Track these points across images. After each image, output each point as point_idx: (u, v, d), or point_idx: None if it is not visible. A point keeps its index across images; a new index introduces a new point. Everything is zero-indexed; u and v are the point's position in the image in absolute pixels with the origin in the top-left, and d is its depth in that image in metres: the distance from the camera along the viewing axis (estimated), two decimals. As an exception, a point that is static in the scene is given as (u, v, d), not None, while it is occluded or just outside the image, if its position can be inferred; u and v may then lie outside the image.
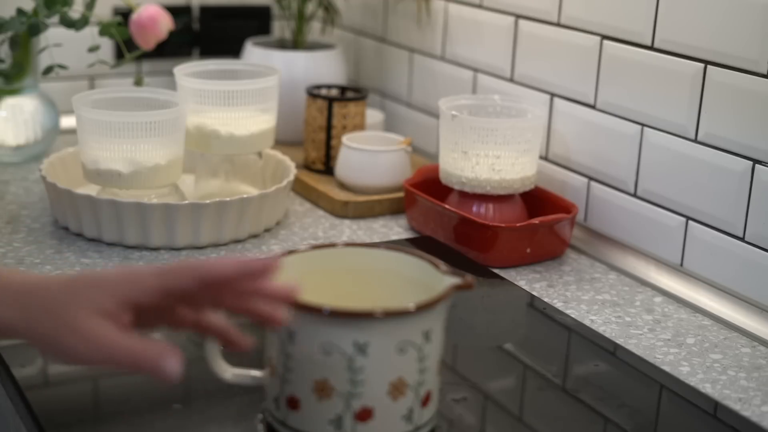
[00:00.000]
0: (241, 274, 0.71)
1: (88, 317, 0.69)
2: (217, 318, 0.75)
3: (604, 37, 1.22)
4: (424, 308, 0.76)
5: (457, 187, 1.24)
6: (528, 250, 1.19)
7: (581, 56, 1.25)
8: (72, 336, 0.68)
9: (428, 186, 1.29)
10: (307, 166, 1.44)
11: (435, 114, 1.47)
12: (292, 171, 1.30)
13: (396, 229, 1.30)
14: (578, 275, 1.18)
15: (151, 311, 0.72)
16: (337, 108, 1.40)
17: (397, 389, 0.76)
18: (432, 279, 0.81)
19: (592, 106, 1.24)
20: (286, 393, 0.77)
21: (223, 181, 1.32)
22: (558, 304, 1.10)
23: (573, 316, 1.07)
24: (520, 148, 1.22)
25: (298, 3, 1.58)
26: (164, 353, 0.68)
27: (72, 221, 1.21)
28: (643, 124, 1.18)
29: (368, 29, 1.67)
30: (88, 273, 0.73)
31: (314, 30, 1.68)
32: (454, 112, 1.23)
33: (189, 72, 1.30)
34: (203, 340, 0.80)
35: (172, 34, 1.46)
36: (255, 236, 1.24)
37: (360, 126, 1.43)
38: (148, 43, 1.42)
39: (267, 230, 1.26)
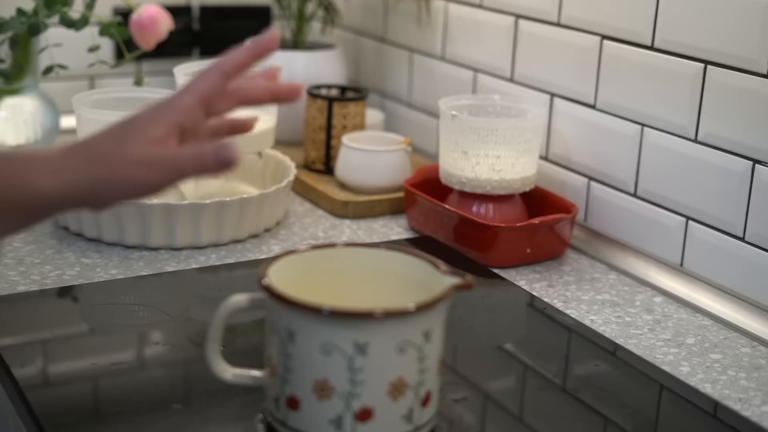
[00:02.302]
0: (253, 55, 0.76)
1: (142, 148, 0.72)
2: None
3: (604, 37, 1.22)
4: (424, 308, 0.76)
5: (457, 187, 1.24)
6: (528, 250, 1.19)
7: (581, 56, 1.25)
8: (135, 169, 0.72)
9: (428, 186, 1.29)
10: (307, 166, 1.44)
11: (435, 114, 1.47)
12: (292, 171, 1.30)
13: (396, 229, 1.30)
14: (578, 275, 1.18)
15: (191, 127, 0.76)
16: (337, 108, 1.41)
17: (397, 389, 0.76)
18: (432, 279, 0.81)
19: (592, 106, 1.24)
20: (286, 393, 0.77)
21: (223, 181, 1.32)
22: (558, 304, 1.10)
23: (573, 316, 1.07)
24: (520, 148, 1.22)
25: (298, 3, 1.58)
26: (218, 144, 0.72)
27: (72, 221, 1.21)
28: (643, 124, 1.18)
29: (368, 29, 1.67)
30: (127, 117, 0.76)
31: (314, 30, 1.68)
32: (454, 112, 1.23)
33: (189, 72, 1.30)
34: (203, 340, 0.80)
35: (172, 34, 1.46)
36: (255, 236, 1.24)
37: (360, 126, 1.43)
38: (148, 43, 1.42)
39: (267, 230, 1.26)
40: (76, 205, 0.74)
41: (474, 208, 1.23)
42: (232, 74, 0.76)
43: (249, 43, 0.76)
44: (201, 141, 0.76)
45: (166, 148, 0.73)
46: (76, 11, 1.40)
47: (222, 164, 0.72)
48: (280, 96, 0.79)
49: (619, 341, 1.02)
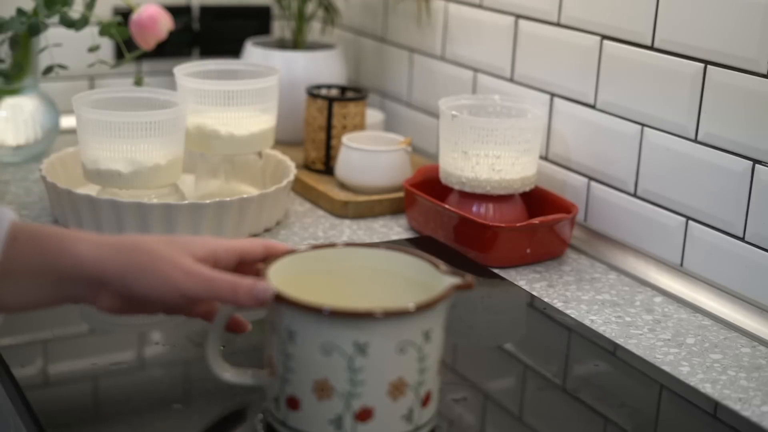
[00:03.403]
0: (285, 252, 0.83)
1: (187, 259, 0.77)
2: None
3: (604, 37, 1.22)
4: (424, 308, 0.76)
5: (457, 187, 1.24)
6: (528, 250, 1.19)
7: (581, 56, 1.25)
8: (175, 270, 0.76)
9: (428, 186, 1.29)
10: (307, 166, 1.44)
11: (435, 114, 1.47)
12: (292, 171, 1.30)
13: (396, 229, 1.30)
14: (578, 275, 1.18)
15: (222, 265, 0.81)
16: (337, 108, 1.40)
17: (397, 389, 0.76)
18: (432, 279, 0.81)
19: (592, 106, 1.24)
20: (286, 393, 0.77)
21: (223, 181, 1.32)
22: (558, 304, 1.10)
23: (573, 316, 1.07)
24: (520, 148, 1.22)
25: (298, 3, 1.58)
26: (255, 282, 0.77)
27: (72, 221, 1.21)
28: (643, 124, 1.18)
29: (368, 29, 1.67)
30: (177, 235, 0.82)
31: (314, 30, 1.68)
32: (454, 112, 1.23)
33: (189, 72, 1.30)
34: (203, 340, 0.80)
35: (172, 34, 1.46)
36: (255, 236, 1.24)
37: (360, 126, 1.43)
38: (148, 43, 1.42)
39: (267, 230, 1.26)
40: (104, 283, 0.76)
41: (474, 208, 1.23)
42: (270, 255, 0.82)
43: (287, 246, 0.85)
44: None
45: (206, 267, 0.77)
46: (76, 11, 1.40)
47: (254, 300, 0.76)
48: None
49: (619, 341, 1.02)
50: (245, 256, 0.82)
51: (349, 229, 1.29)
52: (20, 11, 1.37)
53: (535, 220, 1.19)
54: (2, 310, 0.78)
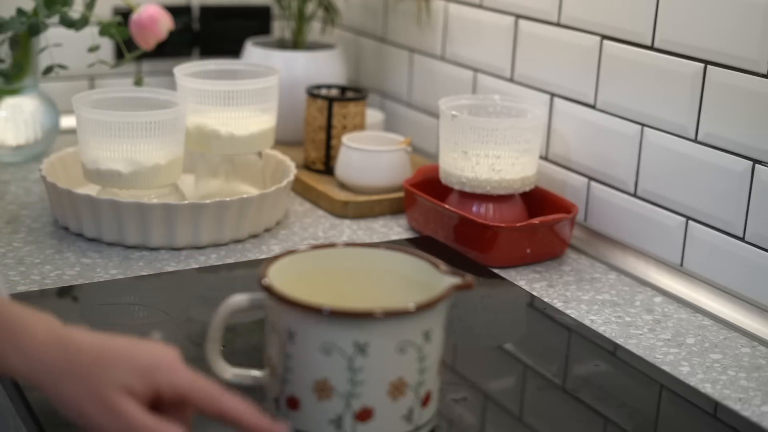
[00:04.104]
0: (251, 425, 0.73)
1: (114, 392, 0.71)
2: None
3: (604, 37, 1.22)
4: (424, 308, 0.76)
5: (457, 187, 1.24)
6: (528, 250, 1.19)
7: (581, 56, 1.25)
8: (97, 406, 0.71)
9: (428, 186, 1.29)
10: (307, 166, 1.44)
11: (435, 114, 1.47)
12: (292, 171, 1.30)
13: (396, 229, 1.30)
14: (578, 275, 1.18)
15: (166, 400, 0.74)
16: (337, 108, 1.40)
17: (397, 389, 0.76)
18: (432, 279, 0.81)
19: (592, 106, 1.24)
20: (286, 393, 0.77)
21: (223, 181, 1.32)
22: (558, 304, 1.10)
23: (573, 316, 1.07)
24: (520, 148, 1.22)
25: (298, 3, 1.58)
26: (176, 428, 0.71)
27: (72, 221, 1.21)
28: (643, 124, 1.18)
29: (368, 29, 1.67)
30: (122, 343, 0.74)
31: (314, 30, 1.68)
32: (454, 112, 1.23)
33: (189, 72, 1.30)
34: (203, 340, 0.80)
35: (172, 34, 1.46)
36: (255, 236, 1.24)
37: (360, 126, 1.43)
38: (148, 43, 1.42)
39: (267, 230, 1.26)
40: (42, 393, 0.74)
41: (474, 208, 1.23)
42: (223, 418, 0.74)
43: (259, 419, 0.73)
44: (172, 416, 0.74)
45: (134, 405, 0.72)
46: (76, 11, 1.40)
47: None
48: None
49: (619, 341, 1.02)
50: (190, 403, 0.73)
51: (349, 229, 1.29)
52: (20, 11, 1.37)
53: (535, 220, 1.19)
54: None
